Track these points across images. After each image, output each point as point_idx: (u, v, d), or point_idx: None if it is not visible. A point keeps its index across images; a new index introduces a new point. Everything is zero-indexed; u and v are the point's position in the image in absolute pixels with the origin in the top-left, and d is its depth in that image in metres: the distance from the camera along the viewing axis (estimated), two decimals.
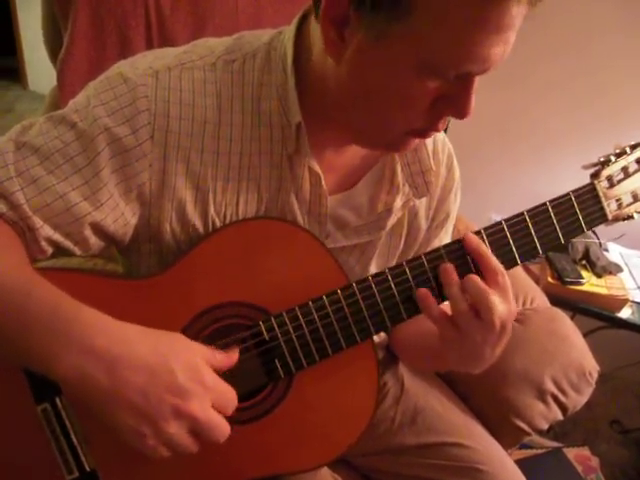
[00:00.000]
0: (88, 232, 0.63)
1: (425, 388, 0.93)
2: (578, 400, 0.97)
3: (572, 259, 1.54)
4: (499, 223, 0.67)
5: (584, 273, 1.51)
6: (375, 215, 0.75)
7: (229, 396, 0.58)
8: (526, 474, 0.86)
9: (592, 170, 0.70)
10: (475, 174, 1.34)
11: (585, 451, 1.48)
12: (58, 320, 0.52)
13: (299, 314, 0.65)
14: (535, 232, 0.67)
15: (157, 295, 0.64)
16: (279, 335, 0.65)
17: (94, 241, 0.65)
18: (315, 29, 0.61)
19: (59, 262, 0.90)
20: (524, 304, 1.16)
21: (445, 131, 0.73)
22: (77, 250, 0.65)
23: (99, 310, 0.55)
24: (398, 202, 0.75)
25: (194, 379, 0.54)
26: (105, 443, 0.61)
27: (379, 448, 0.88)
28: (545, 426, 0.98)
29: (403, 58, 0.54)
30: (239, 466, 0.67)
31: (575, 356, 0.97)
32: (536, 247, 0.68)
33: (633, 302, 1.49)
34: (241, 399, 0.66)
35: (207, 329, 0.65)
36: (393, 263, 0.79)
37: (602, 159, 0.70)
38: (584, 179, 0.71)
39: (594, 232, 1.58)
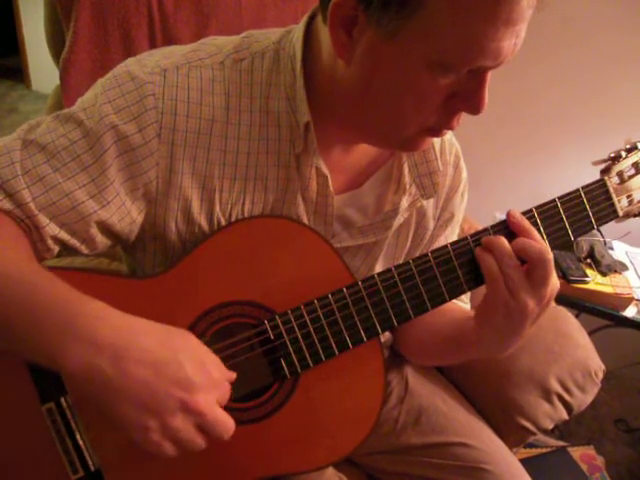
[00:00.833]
0: (94, 230, 0.63)
1: (429, 388, 0.93)
2: (583, 399, 0.97)
3: (577, 257, 1.53)
4: (503, 222, 0.66)
5: (589, 271, 1.50)
6: (381, 215, 0.74)
7: (227, 392, 0.57)
8: (531, 473, 0.86)
9: (602, 166, 0.70)
10: (479, 172, 1.34)
11: (590, 450, 1.47)
12: (65, 313, 0.52)
13: (304, 313, 0.64)
14: (543, 229, 0.67)
15: (162, 294, 0.64)
16: (284, 334, 0.65)
17: (100, 239, 0.65)
18: (323, 29, 0.61)
19: (63, 261, 0.90)
20: None
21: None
22: (83, 249, 0.65)
23: None
24: (404, 202, 0.74)
25: (202, 373, 0.54)
26: (110, 443, 0.61)
27: (383, 447, 0.87)
28: (550, 426, 0.97)
29: (414, 55, 0.54)
30: (244, 466, 0.67)
31: (580, 355, 0.97)
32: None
33: (638, 300, 1.48)
34: (247, 398, 0.66)
35: (212, 328, 0.65)
36: None
37: (612, 155, 0.70)
38: (590, 177, 0.71)
39: (599, 230, 1.58)
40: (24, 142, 0.61)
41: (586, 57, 1.68)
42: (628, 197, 0.70)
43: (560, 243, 0.68)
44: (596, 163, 0.70)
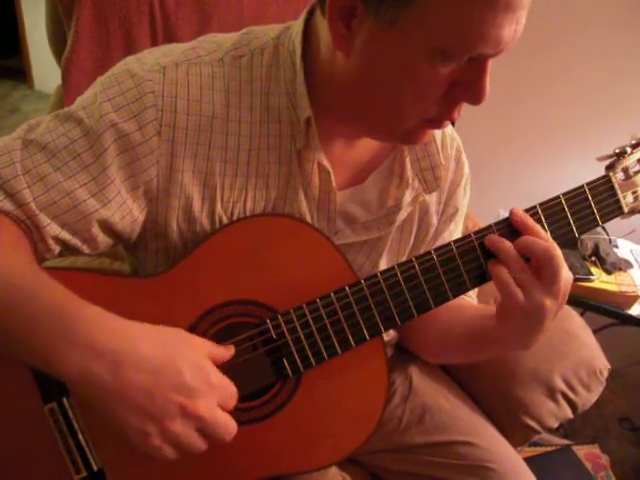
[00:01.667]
0: (95, 229, 0.63)
1: (433, 386, 0.92)
2: (588, 398, 0.96)
3: (582, 255, 1.52)
4: (506, 220, 0.66)
5: (594, 270, 1.49)
6: (384, 210, 0.74)
7: (232, 393, 0.57)
8: (536, 472, 0.86)
9: (607, 162, 0.69)
10: (483, 169, 1.33)
11: (595, 449, 1.47)
12: (63, 318, 0.52)
13: (307, 312, 0.64)
14: (547, 226, 0.66)
15: (164, 293, 0.64)
16: (287, 333, 0.64)
17: (102, 239, 0.65)
18: (322, 24, 0.61)
19: (65, 261, 0.90)
20: None
21: (452, 125, 0.72)
22: (85, 248, 0.65)
23: (105, 309, 0.54)
24: (407, 197, 0.74)
25: (200, 378, 0.54)
26: (112, 443, 0.61)
27: (387, 446, 0.87)
28: (555, 424, 0.97)
29: (413, 44, 0.53)
30: (247, 466, 0.67)
31: (585, 354, 0.96)
32: None
33: None
34: (249, 398, 0.65)
35: (214, 327, 0.64)
36: (403, 259, 0.78)
37: (617, 150, 0.69)
38: (594, 173, 0.70)
39: (604, 228, 1.57)
40: (24, 142, 0.61)
41: (592, 51, 1.67)
42: (633, 193, 0.70)
43: (564, 240, 0.67)
44: (601, 159, 0.70)
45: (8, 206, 0.59)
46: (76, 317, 0.52)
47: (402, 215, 0.75)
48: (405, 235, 0.78)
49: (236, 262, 0.65)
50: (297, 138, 0.65)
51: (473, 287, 0.67)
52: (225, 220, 0.67)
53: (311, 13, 0.64)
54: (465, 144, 0.82)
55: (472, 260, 0.66)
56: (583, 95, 1.71)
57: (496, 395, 0.94)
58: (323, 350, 0.65)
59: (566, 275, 0.62)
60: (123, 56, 0.66)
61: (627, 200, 0.69)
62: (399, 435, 0.87)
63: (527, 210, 0.66)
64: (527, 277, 0.62)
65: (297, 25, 0.64)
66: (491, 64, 0.56)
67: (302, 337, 0.64)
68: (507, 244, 0.63)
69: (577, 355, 0.95)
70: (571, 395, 0.94)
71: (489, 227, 0.66)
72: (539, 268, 0.62)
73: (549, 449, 1.41)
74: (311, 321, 0.64)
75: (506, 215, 0.66)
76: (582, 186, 0.68)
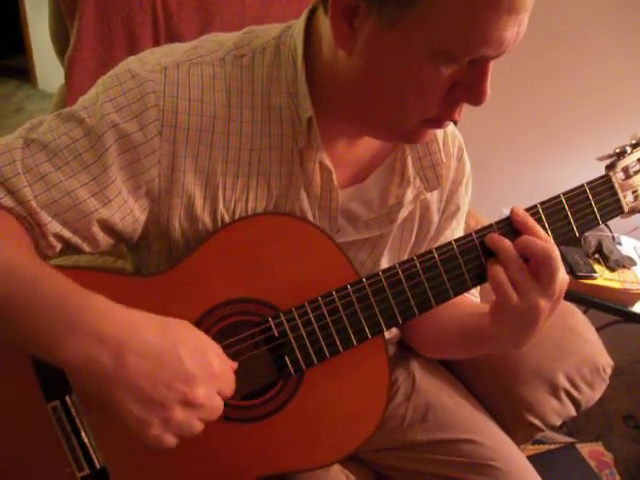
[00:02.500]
0: (96, 229, 0.63)
1: (436, 384, 0.93)
2: (591, 396, 0.96)
3: (585, 253, 1.52)
4: (507, 219, 0.66)
5: (597, 267, 1.49)
6: (386, 208, 0.74)
7: (231, 381, 0.58)
8: (539, 470, 0.85)
9: (607, 161, 0.69)
10: (486, 169, 1.33)
11: (599, 447, 1.46)
12: (66, 307, 0.52)
13: (308, 310, 0.64)
14: (548, 225, 0.66)
15: (166, 292, 0.64)
16: (288, 331, 0.64)
17: (102, 238, 0.65)
18: (324, 23, 0.61)
19: (68, 260, 0.90)
20: None
21: (455, 124, 0.72)
22: (86, 247, 0.65)
23: None
24: (409, 195, 0.74)
25: (201, 365, 0.54)
26: (115, 440, 0.61)
27: (390, 444, 0.87)
28: (558, 422, 0.97)
29: (415, 44, 0.53)
30: (248, 464, 0.67)
31: (588, 351, 0.96)
32: None
33: None
34: (251, 396, 0.66)
35: (217, 326, 0.65)
36: (405, 258, 0.79)
37: (617, 150, 0.69)
38: (597, 172, 0.70)
39: (607, 225, 1.56)
40: (26, 140, 0.61)
41: (593, 51, 1.67)
42: (634, 193, 0.70)
43: (565, 239, 0.67)
44: (601, 158, 0.70)
45: (9, 202, 0.59)
46: (80, 306, 0.52)
47: (403, 213, 0.75)
48: (406, 233, 0.78)
49: (238, 261, 0.65)
50: (299, 138, 0.65)
51: (474, 286, 0.67)
52: (227, 219, 0.67)
53: (313, 12, 0.64)
54: (468, 143, 0.82)
55: (473, 259, 0.66)
56: (584, 95, 1.71)
57: (499, 393, 0.94)
58: (325, 348, 0.65)
59: (563, 277, 0.62)
60: (125, 55, 0.66)
61: (627, 199, 0.69)
62: (402, 433, 0.87)
63: (528, 209, 0.66)
64: (524, 277, 0.62)
65: (299, 24, 0.64)
66: (493, 65, 0.56)
67: (304, 335, 0.65)
68: (507, 243, 0.63)
69: (580, 353, 0.95)
70: (574, 393, 0.94)
71: (490, 226, 0.66)
72: (537, 268, 0.62)
73: (552, 447, 1.40)
74: (313, 319, 0.64)
75: (508, 214, 0.67)
76: (582, 185, 0.68)
